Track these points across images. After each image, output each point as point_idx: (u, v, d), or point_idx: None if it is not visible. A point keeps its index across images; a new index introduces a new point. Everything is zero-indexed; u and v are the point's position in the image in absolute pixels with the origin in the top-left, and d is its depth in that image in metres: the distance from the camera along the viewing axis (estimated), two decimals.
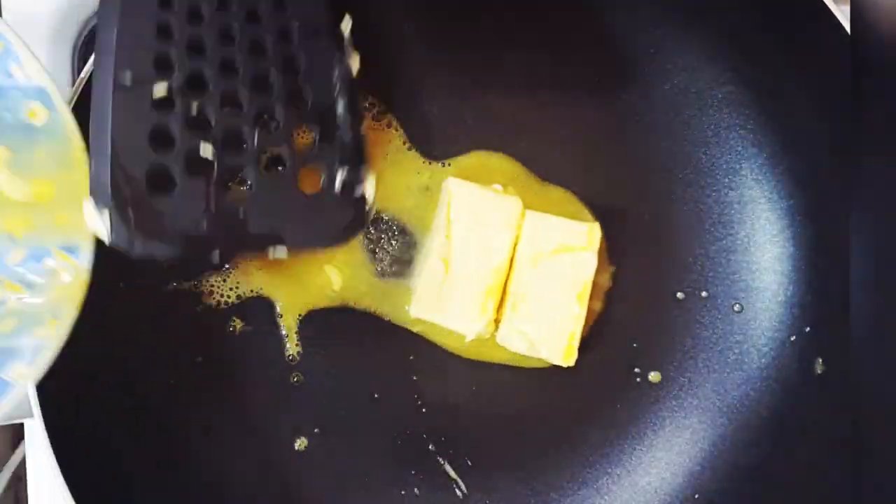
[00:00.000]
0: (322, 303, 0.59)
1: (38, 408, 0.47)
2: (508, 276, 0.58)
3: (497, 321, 0.58)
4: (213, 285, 0.58)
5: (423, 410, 0.60)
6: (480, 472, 0.60)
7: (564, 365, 0.58)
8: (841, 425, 0.54)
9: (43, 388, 0.47)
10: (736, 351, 0.60)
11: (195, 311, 0.58)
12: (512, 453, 0.60)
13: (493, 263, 0.57)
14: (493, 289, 0.57)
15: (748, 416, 0.59)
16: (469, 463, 0.60)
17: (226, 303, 0.58)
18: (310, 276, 0.59)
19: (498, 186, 0.58)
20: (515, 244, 0.57)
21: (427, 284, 0.57)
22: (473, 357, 0.60)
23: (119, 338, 0.54)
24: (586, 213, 0.60)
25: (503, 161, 0.60)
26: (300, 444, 0.59)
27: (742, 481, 0.58)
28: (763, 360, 0.59)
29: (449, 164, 0.60)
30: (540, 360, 0.59)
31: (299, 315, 0.59)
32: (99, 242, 0.47)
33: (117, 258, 0.46)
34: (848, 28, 0.49)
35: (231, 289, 0.58)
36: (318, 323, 0.59)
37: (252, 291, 0.59)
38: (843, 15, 0.49)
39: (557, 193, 0.60)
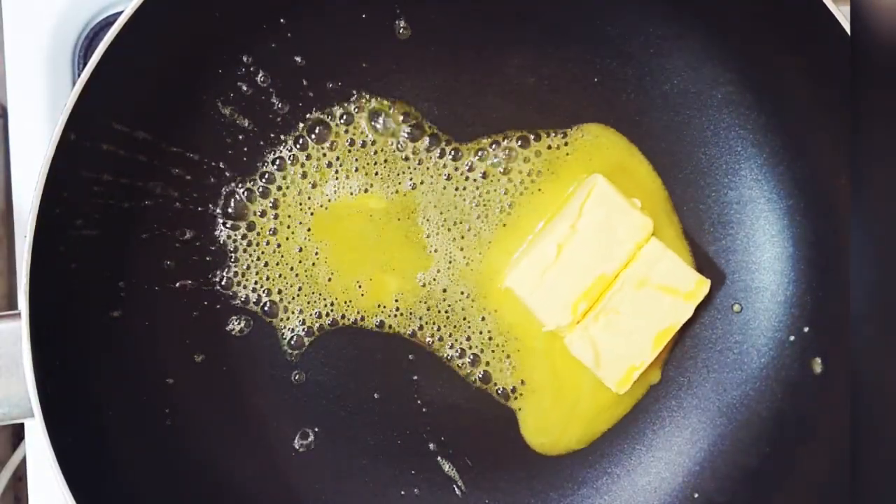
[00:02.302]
0: (370, 311, 0.59)
1: (39, 408, 0.47)
2: (607, 287, 0.58)
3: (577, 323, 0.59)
4: (239, 283, 0.58)
5: (424, 410, 0.60)
6: (480, 471, 0.60)
7: (614, 391, 0.58)
8: (841, 425, 0.54)
9: (43, 387, 0.47)
10: (736, 351, 0.60)
11: (196, 311, 0.58)
12: (512, 453, 0.60)
13: (602, 270, 0.57)
14: (591, 293, 0.57)
15: (748, 416, 0.59)
16: (469, 463, 0.60)
17: (257, 302, 0.59)
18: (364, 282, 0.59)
19: (637, 202, 0.58)
20: (629, 261, 0.58)
21: (533, 262, 0.57)
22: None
23: (119, 337, 0.55)
24: None
25: None
26: (300, 443, 0.59)
27: (742, 481, 0.58)
28: (762, 360, 0.59)
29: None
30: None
31: (322, 318, 0.59)
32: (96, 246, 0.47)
33: (117, 257, 0.46)
34: (848, 28, 0.49)
35: (259, 290, 0.59)
36: (319, 323, 0.59)
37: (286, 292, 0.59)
38: (842, 15, 0.49)
39: None
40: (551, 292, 0.57)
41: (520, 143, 0.59)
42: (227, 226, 0.58)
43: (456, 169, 0.59)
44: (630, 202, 0.58)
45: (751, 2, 0.53)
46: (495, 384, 0.60)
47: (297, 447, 0.59)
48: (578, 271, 0.57)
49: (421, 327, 0.59)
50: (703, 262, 0.60)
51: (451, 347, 0.60)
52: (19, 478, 0.67)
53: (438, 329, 0.60)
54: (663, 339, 0.58)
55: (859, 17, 0.41)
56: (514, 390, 0.60)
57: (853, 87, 0.41)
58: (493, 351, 0.60)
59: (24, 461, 0.63)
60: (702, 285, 0.58)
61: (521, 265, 0.58)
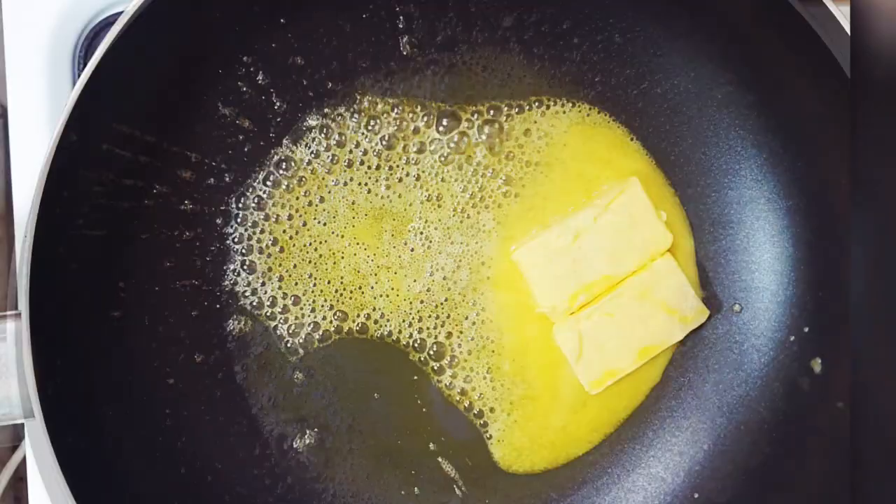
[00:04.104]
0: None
1: (39, 408, 0.47)
2: (610, 288, 0.58)
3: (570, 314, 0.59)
4: (239, 283, 0.58)
5: (423, 410, 0.60)
6: (480, 472, 0.60)
7: (587, 389, 0.58)
8: (840, 425, 0.54)
9: (44, 388, 0.47)
10: (736, 351, 0.60)
11: (196, 311, 0.58)
12: None
13: (609, 271, 0.58)
14: (592, 289, 0.58)
15: (748, 416, 0.59)
16: (469, 463, 0.60)
17: (257, 304, 0.59)
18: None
19: (663, 214, 0.59)
20: (638, 270, 0.58)
21: (546, 242, 0.58)
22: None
23: (119, 337, 0.54)
24: None
25: None
26: (300, 443, 0.59)
27: (742, 481, 0.58)
28: (762, 360, 0.59)
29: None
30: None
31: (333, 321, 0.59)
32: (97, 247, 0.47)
33: (117, 257, 0.46)
34: (848, 28, 0.49)
35: (259, 290, 0.59)
36: (319, 324, 0.59)
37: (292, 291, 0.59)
38: (842, 15, 0.49)
39: None
40: (555, 276, 0.57)
41: (517, 131, 0.59)
42: (228, 226, 0.58)
43: (456, 167, 0.59)
44: (657, 213, 0.58)
45: (750, 3, 0.53)
46: (470, 402, 0.60)
47: (297, 447, 0.59)
48: (587, 264, 0.57)
49: (411, 334, 0.59)
50: (704, 263, 0.60)
51: (432, 355, 0.60)
52: (19, 478, 0.67)
53: (426, 337, 0.60)
54: (647, 354, 0.58)
55: (859, 20, 0.41)
56: (483, 413, 0.60)
57: (852, 90, 0.41)
58: (473, 367, 0.60)
59: (24, 461, 0.62)
60: (700, 314, 0.58)
61: (534, 242, 0.58)
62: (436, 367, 0.60)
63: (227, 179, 0.58)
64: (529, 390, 0.60)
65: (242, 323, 0.59)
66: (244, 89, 0.57)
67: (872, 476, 0.39)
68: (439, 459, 0.60)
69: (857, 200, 0.41)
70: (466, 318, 0.60)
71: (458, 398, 0.60)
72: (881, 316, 0.39)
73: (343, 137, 0.59)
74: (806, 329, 0.58)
